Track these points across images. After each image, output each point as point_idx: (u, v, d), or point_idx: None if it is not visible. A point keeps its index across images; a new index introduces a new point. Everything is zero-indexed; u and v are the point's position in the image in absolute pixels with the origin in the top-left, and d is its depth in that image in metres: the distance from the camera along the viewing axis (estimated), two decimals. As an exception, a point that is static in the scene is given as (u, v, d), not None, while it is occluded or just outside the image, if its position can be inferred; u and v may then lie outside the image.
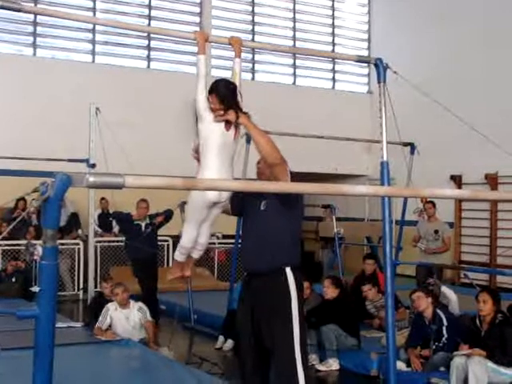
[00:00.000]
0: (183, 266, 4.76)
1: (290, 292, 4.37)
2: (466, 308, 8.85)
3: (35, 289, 2.56)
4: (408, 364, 7.47)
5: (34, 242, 11.84)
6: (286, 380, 4.34)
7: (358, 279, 10.72)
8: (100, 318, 8.64)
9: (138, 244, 10.38)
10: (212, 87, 4.40)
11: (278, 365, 4.37)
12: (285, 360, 4.33)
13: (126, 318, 8.59)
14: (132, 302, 8.71)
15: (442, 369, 7.18)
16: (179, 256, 4.68)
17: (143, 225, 10.74)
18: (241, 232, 5.00)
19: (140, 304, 8.76)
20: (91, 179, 2.42)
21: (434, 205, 11.50)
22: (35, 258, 2.77)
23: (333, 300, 8.64)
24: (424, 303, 7.66)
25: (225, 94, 4.37)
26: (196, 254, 4.73)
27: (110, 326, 8.61)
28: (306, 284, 8.75)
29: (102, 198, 14.25)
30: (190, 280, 10.88)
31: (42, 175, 2.65)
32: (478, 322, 7.08)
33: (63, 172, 2.49)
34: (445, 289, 9.23)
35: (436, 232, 11.45)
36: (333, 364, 8.14)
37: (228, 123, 4.37)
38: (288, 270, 4.41)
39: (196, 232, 4.50)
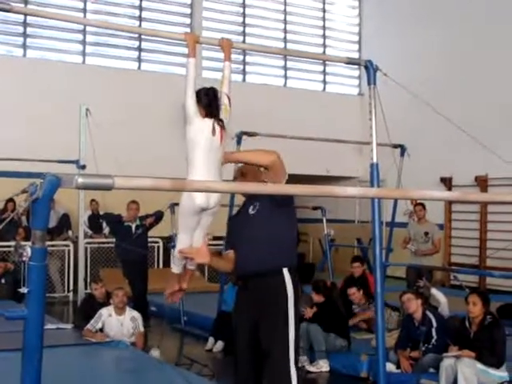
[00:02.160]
0: (180, 278, 4.71)
1: (287, 292, 4.38)
2: (456, 310, 8.87)
3: (24, 290, 2.56)
4: (398, 365, 7.49)
5: (24, 243, 11.82)
6: (279, 380, 4.35)
7: (347, 281, 10.73)
8: (91, 322, 8.59)
9: (128, 246, 10.39)
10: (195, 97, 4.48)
11: (272, 364, 4.37)
12: (279, 360, 4.34)
13: (120, 325, 8.55)
14: (127, 309, 8.68)
15: (432, 370, 7.20)
16: (175, 268, 4.66)
17: (133, 226, 10.75)
18: (230, 240, 4.96)
19: (134, 314, 8.70)
20: (80, 180, 2.42)
21: (423, 207, 11.52)
22: (24, 258, 2.75)
23: (319, 305, 8.71)
24: (414, 305, 7.69)
25: (206, 102, 4.43)
26: (191, 266, 4.68)
27: (100, 329, 8.58)
28: None
29: (93, 200, 14.22)
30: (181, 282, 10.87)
31: (31, 176, 2.63)
32: (467, 323, 7.10)
33: (52, 173, 2.48)
34: (435, 291, 9.25)
35: (426, 234, 11.47)
36: (323, 365, 8.15)
37: (214, 128, 4.39)
38: (285, 270, 4.42)
39: (189, 241, 4.48)
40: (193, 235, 4.49)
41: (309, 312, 8.47)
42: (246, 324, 4.54)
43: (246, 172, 4.76)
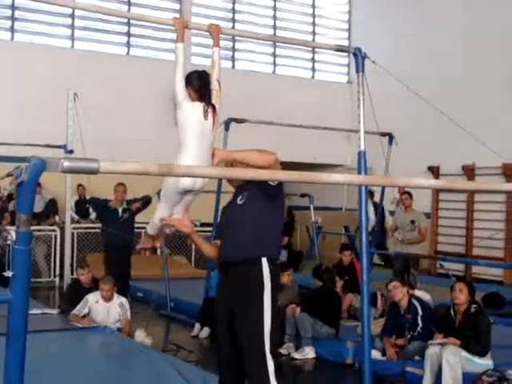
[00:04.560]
0: (154, 238, 4.92)
1: (263, 282, 4.36)
2: (442, 298, 8.92)
3: (8, 273, 2.54)
4: (383, 353, 7.53)
5: (10, 227, 11.71)
6: (255, 369, 4.34)
7: (335, 268, 10.75)
8: (78, 307, 8.55)
9: (114, 230, 10.37)
10: (186, 81, 4.49)
11: (247, 354, 4.37)
12: (254, 350, 4.33)
13: (106, 312, 8.52)
14: (115, 296, 8.63)
15: (417, 358, 7.25)
16: (151, 230, 4.82)
17: (120, 209, 10.71)
18: (218, 230, 5.00)
19: (123, 300, 8.66)
20: (66, 164, 2.41)
21: (410, 195, 11.56)
22: (8, 242, 2.74)
23: (316, 289, 8.79)
24: (400, 293, 7.73)
25: (198, 85, 4.47)
26: (168, 230, 4.84)
27: (87, 314, 8.56)
28: (288, 271, 9.08)
29: (79, 185, 14.17)
30: (167, 268, 10.90)
31: (17, 161, 2.62)
32: (452, 312, 7.13)
33: (38, 156, 2.47)
34: (419, 292, 9.14)
35: (412, 222, 11.51)
36: (309, 352, 8.18)
37: (206, 111, 4.41)
38: (264, 260, 4.40)
39: (169, 212, 4.60)
40: (173, 208, 4.60)
41: (296, 310, 8.47)
42: (224, 312, 4.54)
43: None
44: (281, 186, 4.42)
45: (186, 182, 4.36)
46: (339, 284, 9.84)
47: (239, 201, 4.55)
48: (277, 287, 4.54)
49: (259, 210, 4.45)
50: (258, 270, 4.37)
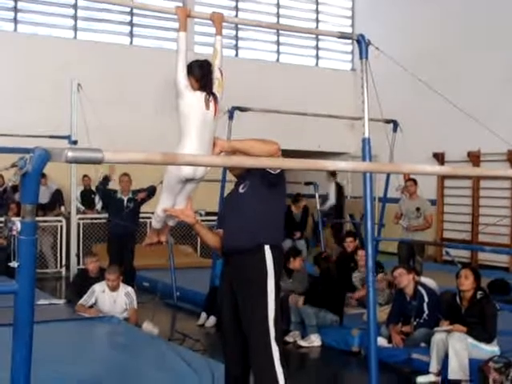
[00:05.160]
0: (159, 232, 4.93)
1: (266, 269, 4.37)
2: (448, 285, 8.91)
3: (14, 264, 2.55)
4: (389, 340, 7.54)
5: (16, 218, 11.72)
6: (260, 357, 4.35)
7: (340, 256, 10.77)
8: (85, 297, 8.56)
9: (119, 220, 10.43)
10: (187, 70, 4.46)
11: (252, 343, 4.37)
12: (259, 336, 4.33)
13: (113, 301, 8.53)
14: (121, 285, 8.64)
15: (423, 345, 7.25)
16: (155, 224, 4.85)
17: (126, 199, 10.77)
18: (220, 219, 5.03)
19: (129, 289, 8.67)
20: (70, 154, 2.41)
21: (415, 182, 11.52)
22: (14, 233, 2.74)
23: (315, 278, 8.78)
24: (405, 280, 7.72)
25: (200, 75, 4.47)
26: (172, 222, 4.84)
27: (94, 304, 8.57)
28: (299, 257, 9.30)
29: (85, 176, 14.21)
30: (173, 257, 10.92)
31: (22, 151, 2.62)
32: (458, 298, 7.13)
33: (41, 147, 2.47)
34: (424, 279, 9.13)
35: (418, 209, 11.47)
36: (315, 340, 8.20)
37: (207, 101, 4.42)
38: (267, 247, 4.41)
39: (171, 202, 4.60)
40: (176, 198, 4.60)
41: (300, 301, 8.47)
42: (228, 301, 4.56)
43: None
44: (282, 174, 4.42)
45: (187, 171, 4.37)
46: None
47: (241, 189, 4.56)
48: (280, 274, 4.55)
49: (261, 198, 4.45)
50: (260, 258, 4.38)
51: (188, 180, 4.48)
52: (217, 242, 4.69)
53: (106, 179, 10.85)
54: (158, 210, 4.68)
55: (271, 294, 4.35)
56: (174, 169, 4.38)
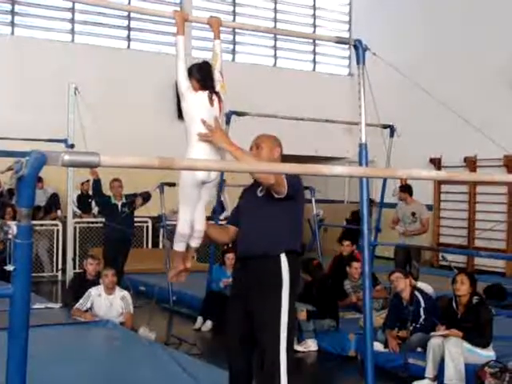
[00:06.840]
0: (183, 257, 4.61)
1: (282, 278, 4.36)
2: (444, 290, 8.91)
3: (9, 268, 2.54)
4: (385, 345, 7.53)
5: (12, 222, 11.69)
6: (266, 369, 4.33)
7: (336, 260, 10.75)
8: (81, 301, 8.54)
9: (114, 224, 10.45)
10: (188, 73, 4.45)
11: (261, 351, 4.35)
12: (267, 346, 4.31)
13: (109, 305, 8.51)
14: (117, 289, 8.63)
15: (419, 349, 7.25)
16: (178, 245, 4.53)
17: (119, 204, 10.78)
18: (235, 216, 4.85)
19: (124, 293, 8.66)
20: (66, 157, 2.41)
21: (404, 190, 11.53)
22: (9, 236, 2.73)
23: (306, 285, 8.74)
24: (402, 284, 7.73)
25: (200, 75, 4.45)
26: (194, 243, 4.58)
27: (89, 309, 8.56)
28: None
29: (83, 183, 14.18)
30: (170, 261, 10.89)
31: (18, 155, 2.62)
32: (454, 303, 7.14)
33: (38, 150, 2.47)
34: (421, 284, 9.13)
35: (413, 214, 11.50)
36: (311, 345, 8.19)
37: (211, 99, 4.40)
38: (283, 255, 4.40)
39: (191, 216, 4.42)
40: (195, 208, 4.43)
41: (302, 315, 8.40)
42: (238, 307, 4.53)
43: (260, 144, 4.69)
44: (290, 191, 4.37)
45: (202, 173, 4.26)
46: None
47: (259, 192, 4.53)
48: (298, 282, 4.53)
49: (277, 204, 4.43)
50: (276, 266, 4.37)
51: (204, 182, 4.35)
52: (224, 239, 4.69)
53: (97, 181, 10.78)
54: (178, 228, 4.46)
55: (285, 304, 4.34)
56: (188, 174, 4.28)
